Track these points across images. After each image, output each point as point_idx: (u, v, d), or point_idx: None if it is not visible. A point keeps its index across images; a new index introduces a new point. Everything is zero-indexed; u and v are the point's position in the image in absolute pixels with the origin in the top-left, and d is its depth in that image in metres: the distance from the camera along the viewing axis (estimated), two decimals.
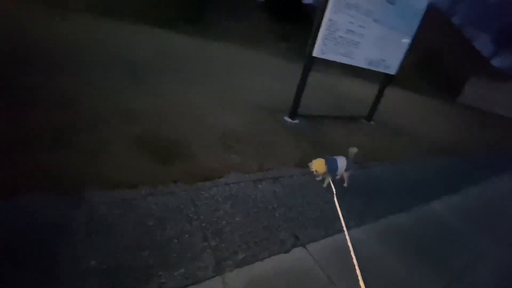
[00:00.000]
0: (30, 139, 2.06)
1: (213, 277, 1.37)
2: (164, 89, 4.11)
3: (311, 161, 2.42)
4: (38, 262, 1.22)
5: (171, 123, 3.05)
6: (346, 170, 2.58)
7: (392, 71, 4.82)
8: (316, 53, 3.61)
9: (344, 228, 1.92)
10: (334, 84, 10.14)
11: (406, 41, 4.65)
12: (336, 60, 3.89)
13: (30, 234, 1.34)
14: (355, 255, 1.72)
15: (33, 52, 4.08)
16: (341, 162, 2.50)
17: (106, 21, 10.07)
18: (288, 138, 3.54)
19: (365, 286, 1.50)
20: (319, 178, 2.64)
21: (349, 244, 1.78)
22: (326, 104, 6.12)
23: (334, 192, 2.27)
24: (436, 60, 23.35)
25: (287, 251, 1.67)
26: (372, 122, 5.40)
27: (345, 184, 2.66)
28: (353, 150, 2.63)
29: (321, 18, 3.47)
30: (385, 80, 5.13)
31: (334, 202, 2.22)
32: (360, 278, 1.51)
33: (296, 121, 4.13)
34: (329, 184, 2.55)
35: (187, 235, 1.58)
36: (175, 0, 15.78)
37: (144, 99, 3.48)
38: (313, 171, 2.40)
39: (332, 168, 2.46)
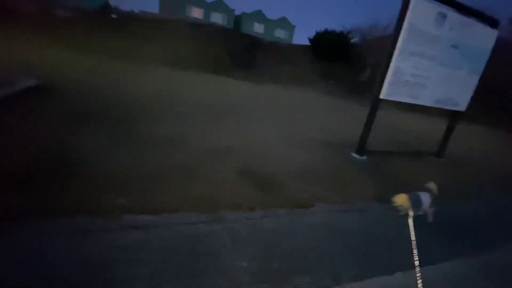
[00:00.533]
0: (164, 173, 2.76)
1: (334, 286, 1.67)
2: (239, 129, 4.82)
3: (393, 196, 2.62)
4: (204, 261, 1.70)
5: (257, 158, 3.60)
6: (430, 206, 2.69)
7: (462, 108, 4.82)
8: (383, 95, 3.96)
9: (417, 262, 1.97)
10: (394, 119, 10.05)
11: (474, 79, 4.70)
12: (403, 101, 4.16)
13: (193, 242, 1.86)
14: None
15: (132, 104, 5.26)
16: (425, 198, 2.64)
17: (176, 72, 12.07)
18: (361, 173, 3.77)
19: None
20: (402, 213, 2.78)
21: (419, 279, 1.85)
22: (390, 140, 6.18)
23: (412, 229, 2.35)
24: (507, 92, 21.19)
25: (390, 274, 1.88)
26: (443, 159, 5.26)
27: (429, 220, 2.74)
28: (432, 185, 2.75)
29: (387, 64, 3.88)
30: (455, 116, 5.10)
31: (414, 237, 2.28)
32: None
33: (364, 157, 4.35)
34: (412, 219, 2.66)
35: (301, 251, 1.94)
36: (227, 51, 18.08)
37: (229, 138, 4.17)
38: (396, 206, 2.58)
39: (416, 203, 2.61)
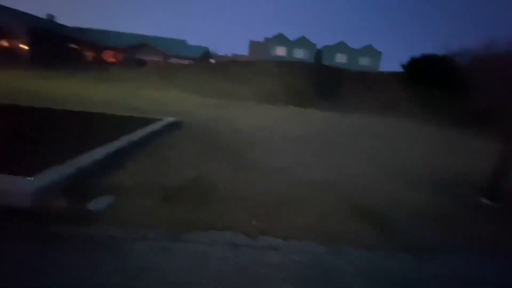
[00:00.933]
0: (281, 201, 3.04)
1: None
2: (336, 161, 4.82)
3: None
4: None
5: (364, 193, 3.52)
6: None
7: None
8: None
9: None
10: None
11: None
12: None
13: (324, 272, 1.98)
14: None
15: (241, 135, 6.00)
16: None
17: (267, 106, 13.13)
18: (496, 222, 3.15)
19: None
20: None
21: None
22: None
23: None
24: None
25: None
26: None
27: None
28: None
29: None
30: None
31: None
32: None
33: (498, 203, 3.63)
34: None
35: None
36: (312, 84, 18.56)
37: (329, 170, 4.24)
38: None
39: None
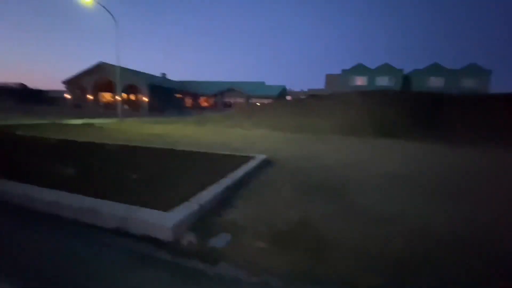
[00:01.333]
0: (407, 261, 2.59)
1: None
2: (469, 211, 3.89)
3: None
4: None
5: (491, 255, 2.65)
6: None
7: None
8: None
9: None
10: None
11: None
12: None
13: None
14: None
15: (332, 172, 5.66)
16: None
17: (351, 139, 12.36)
18: None
19: None
20: None
21: None
22: None
23: None
24: None
25: None
26: None
27: None
28: None
29: None
30: None
31: None
32: None
33: None
34: None
35: None
36: (401, 112, 16.63)
37: (459, 224, 3.44)
38: None
39: None
